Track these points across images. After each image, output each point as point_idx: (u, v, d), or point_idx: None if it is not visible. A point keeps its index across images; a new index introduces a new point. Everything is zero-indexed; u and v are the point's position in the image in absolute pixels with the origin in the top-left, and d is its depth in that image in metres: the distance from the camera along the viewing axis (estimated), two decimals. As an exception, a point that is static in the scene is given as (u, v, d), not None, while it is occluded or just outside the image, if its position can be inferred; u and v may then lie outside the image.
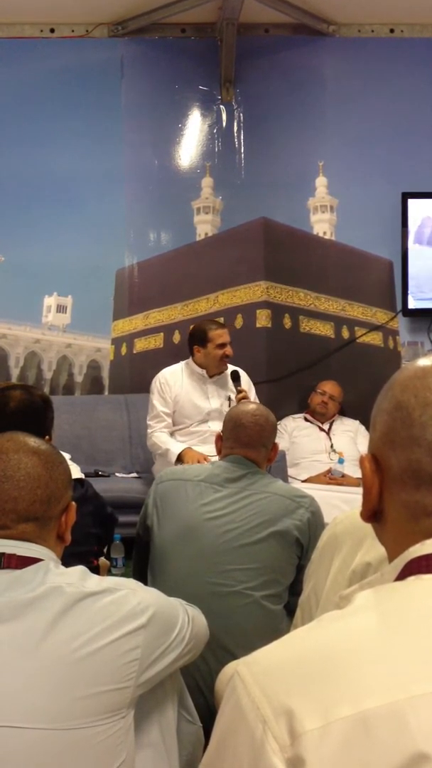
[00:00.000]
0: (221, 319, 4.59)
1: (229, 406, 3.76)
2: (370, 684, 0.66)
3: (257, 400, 4.14)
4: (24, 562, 1.30)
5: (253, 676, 0.72)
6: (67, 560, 1.41)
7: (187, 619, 1.51)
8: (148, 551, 2.43)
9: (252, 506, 2.33)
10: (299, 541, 2.32)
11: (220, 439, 2.55)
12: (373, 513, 0.89)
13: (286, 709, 0.67)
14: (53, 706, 1.19)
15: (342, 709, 0.65)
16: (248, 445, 2.44)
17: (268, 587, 2.27)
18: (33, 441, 1.42)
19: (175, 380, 4.02)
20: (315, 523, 2.36)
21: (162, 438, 3.94)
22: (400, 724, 0.64)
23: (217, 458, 2.64)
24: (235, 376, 3.96)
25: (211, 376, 4.00)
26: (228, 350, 3.94)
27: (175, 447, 3.87)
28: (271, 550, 2.29)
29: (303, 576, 2.25)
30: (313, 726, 0.65)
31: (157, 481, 2.55)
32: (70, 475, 1.46)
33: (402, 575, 0.80)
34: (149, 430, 4.01)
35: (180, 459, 3.79)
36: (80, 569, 1.35)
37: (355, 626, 0.74)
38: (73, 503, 1.45)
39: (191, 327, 4.30)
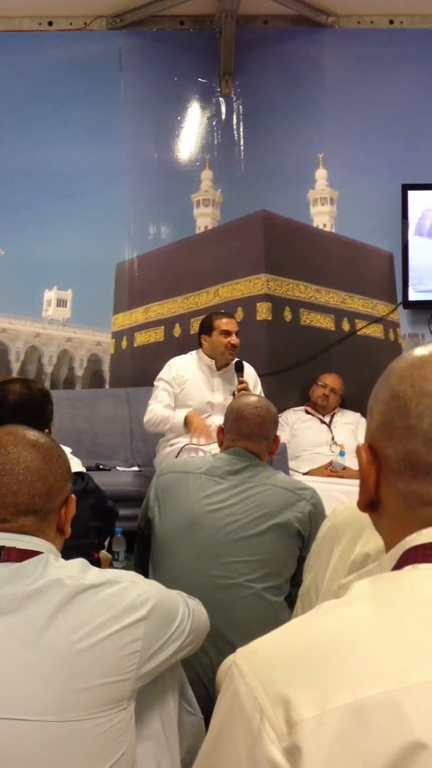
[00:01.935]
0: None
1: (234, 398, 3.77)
2: (367, 673, 0.66)
3: (263, 394, 4.15)
4: (24, 555, 1.30)
5: (251, 665, 0.72)
6: (68, 553, 1.41)
7: (187, 612, 1.51)
8: (149, 543, 2.43)
9: (253, 498, 2.33)
10: (300, 534, 2.32)
11: (221, 431, 2.55)
12: (369, 503, 0.89)
13: (283, 698, 0.67)
14: (53, 698, 1.19)
15: (339, 697, 0.65)
16: (250, 438, 2.44)
17: (269, 579, 2.28)
18: (32, 434, 1.41)
19: (186, 367, 4.02)
20: (316, 516, 2.35)
21: (164, 411, 3.92)
22: (397, 712, 0.64)
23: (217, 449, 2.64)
24: (238, 367, 3.97)
25: (219, 369, 4.00)
26: (233, 339, 3.93)
27: (179, 413, 3.86)
28: (272, 543, 2.29)
29: (304, 567, 2.26)
30: (310, 715, 0.65)
31: (159, 473, 2.56)
32: (69, 467, 1.46)
33: (399, 565, 0.80)
34: (149, 408, 3.97)
35: (186, 424, 3.81)
36: (80, 562, 1.35)
37: (352, 615, 0.74)
38: (73, 496, 1.45)
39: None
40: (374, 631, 0.71)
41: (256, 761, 0.67)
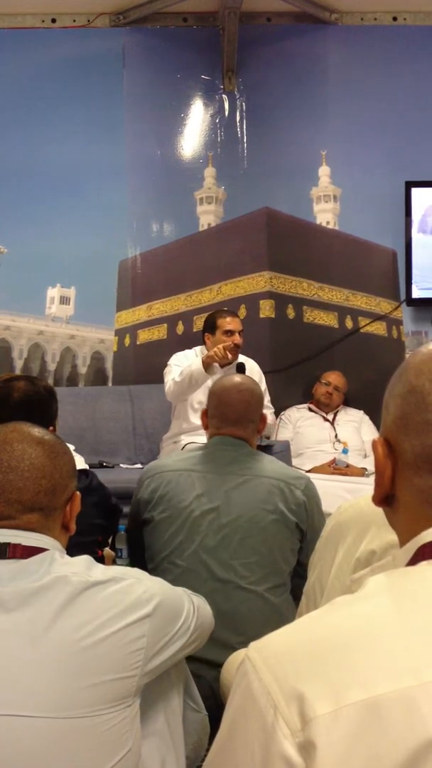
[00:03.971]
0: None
1: None
2: (381, 669, 0.66)
3: (268, 392, 4.15)
4: (29, 551, 1.30)
5: (264, 660, 0.72)
6: (72, 551, 1.41)
7: (192, 609, 1.51)
8: (143, 547, 2.37)
9: (247, 494, 2.27)
10: (298, 526, 2.28)
11: (205, 415, 2.46)
12: (384, 497, 0.89)
13: (297, 694, 0.67)
14: (59, 694, 1.19)
15: (353, 693, 0.65)
16: (236, 423, 2.36)
17: (271, 579, 2.23)
18: (37, 431, 1.41)
19: (190, 361, 4.01)
20: (311, 506, 2.32)
21: (179, 374, 3.85)
22: (412, 710, 0.63)
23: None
24: (240, 369, 3.95)
25: (222, 367, 3.99)
26: (236, 338, 3.91)
27: (194, 363, 3.80)
28: (270, 540, 2.24)
29: (303, 558, 2.24)
30: (324, 711, 0.65)
31: (147, 474, 2.45)
32: (74, 464, 1.46)
33: (414, 560, 0.79)
34: (167, 385, 3.92)
35: (206, 367, 3.76)
36: (86, 559, 1.35)
37: (367, 611, 0.74)
38: (78, 493, 1.45)
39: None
40: (388, 627, 0.70)
41: (269, 757, 0.66)
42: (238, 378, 2.51)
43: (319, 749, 0.64)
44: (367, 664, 0.67)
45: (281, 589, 2.26)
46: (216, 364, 3.84)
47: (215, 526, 2.24)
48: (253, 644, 0.75)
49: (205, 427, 2.47)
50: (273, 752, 0.66)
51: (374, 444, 0.89)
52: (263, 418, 2.46)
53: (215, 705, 1.81)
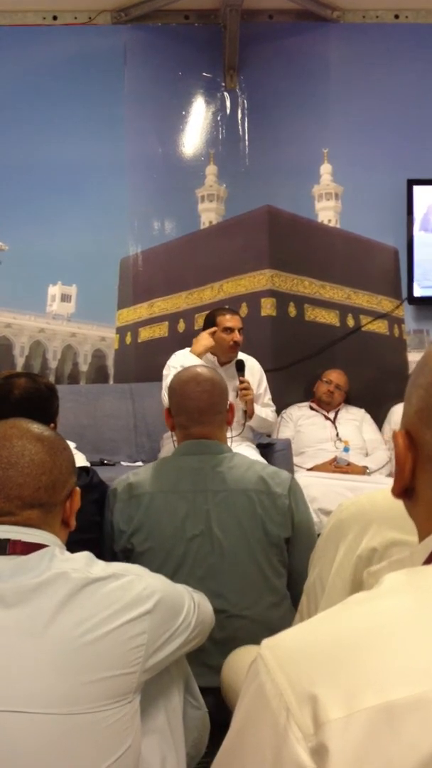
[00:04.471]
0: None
1: (236, 397, 3.75)
2: (396, 673, 0.65)
3: (268, 389, 4.14)
4: (29, 548, 1.30)
5: (277, 660, 0.70)
6: (72, 547, 1.41)
7: (192, 605, 1.51)
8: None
9: (228, 512, 2.15)
10: (287, 539, 2.19)
11: (169, 414, 2.31)
12: (404, 490, 0.87)
13: (310, 697, 0.65)
14: (59, 691, 1.19)
15: (367, 698, 0.63)
16: (202, 420, 2.22)
17: (266, 598, 2.15)
18: (36, 427, 1.41)
19: (191, 361, 3.99)
20: (297, 507, 2.20)
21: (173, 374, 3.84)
22: (427, 715, 0.62)
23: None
24: (240, 366, 3.94)
25: (221, 365, 3.99)
26: (236, 336, 3.91)
27: (187, 359, 3.76)
28: (260, 558, 2.15)
29: (295, 562, 2.20)
30: (338, 715, 0.63)
31: (116, 497, 2.23)
32: (73, 460, 1.46)
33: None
34: (164, 386, 3.83)
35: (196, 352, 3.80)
36: (86, 555, 1.35)
37: (383, 610, 0.72)
38: (78, 489, 1.45)
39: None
40: (406, 629, 0.68)
41: (281, 760, 0.65)
42: (197, 369, 2.33)
43: (331, 754, 0.62)
44: (382, 666, 0.65)
45: (279, 604, 2.17)
46: (213, 358, 3.86)
47: (202, 553, 2.13)
48: (265, 642, 0.73)
49: (171, 427, 2.31)
50: (284, 756, 0.65)
51: (395, 435, 0.87)
52: (231, 407, 2.32)
53: (217, 727, 1.80)
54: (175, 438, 2.33)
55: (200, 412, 2.22)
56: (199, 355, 3.80)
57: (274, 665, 0.69)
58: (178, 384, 2.28)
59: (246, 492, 2.17)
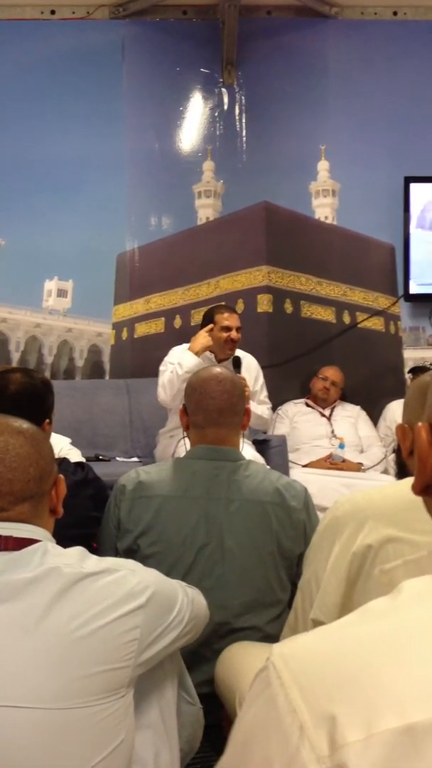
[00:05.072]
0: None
1: None
2: (418, 693, 0.61)
3: (265, 386, 4.14)
4: (21, 543, 1.30)
5: (291, 672, 0.66)
6: (68, 543, 1.41)
7: (186, 600, 1.51)
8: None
9: (241, 523, 2.10)
10: (300, 555, 2.10)
11: (184, 413, 2.25)
12: (426, 486, 0.84)
13: (326, 717, 0.62)
14: (52, 685, 1.19)
15: (387, 720, 0.60)
16: (220, 421, 2.16)
17: (270, 611, 2.11)
18: (15, 421, 1.41)
19: (187, 357, 3.99)
20: (309, 520, 2.15)
21: (167, 380, 3.80)
22: None
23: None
24: (236, 363, 3.94)
25: (219, 362, 3.98)
26: (233, 334, 3.90)
27: (183, 359, 3.74)
28: (269, 574, 2.11)
29: (304, 560, 2.20)
30: (356, 738, 0.60)
31: (124, 494, 2.17)
32: (53, 449, 1.47)
33: None
34: (158, 389, 3.86)
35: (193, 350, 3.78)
36: (79, 550, 1.35)
37: (404, 623, 0.68)
38: (61, 476, 1.46)
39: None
40: (426, 645, 0.65)
41: None
42: (216, 369, 2.28)
43: None
44: (402, 685, 0.62)
45: (279, 616, 2.11)
46: (211, 356, 3.85)
47: (211, 562, 2.08)
48: (277, 650, 0.69)
49: (186, 427, 2.25)
50: None
51: (417, 429, 0.84)
52: (247, 411, 2.29)
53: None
54: (187, 438, 2.28)
55: (219, 411, 2.16)
56: (198, 354, 3.79)
57: (287, 678, 0.66)
58: (198, 382, 2.22)
59: (261, 503, 2.12)
